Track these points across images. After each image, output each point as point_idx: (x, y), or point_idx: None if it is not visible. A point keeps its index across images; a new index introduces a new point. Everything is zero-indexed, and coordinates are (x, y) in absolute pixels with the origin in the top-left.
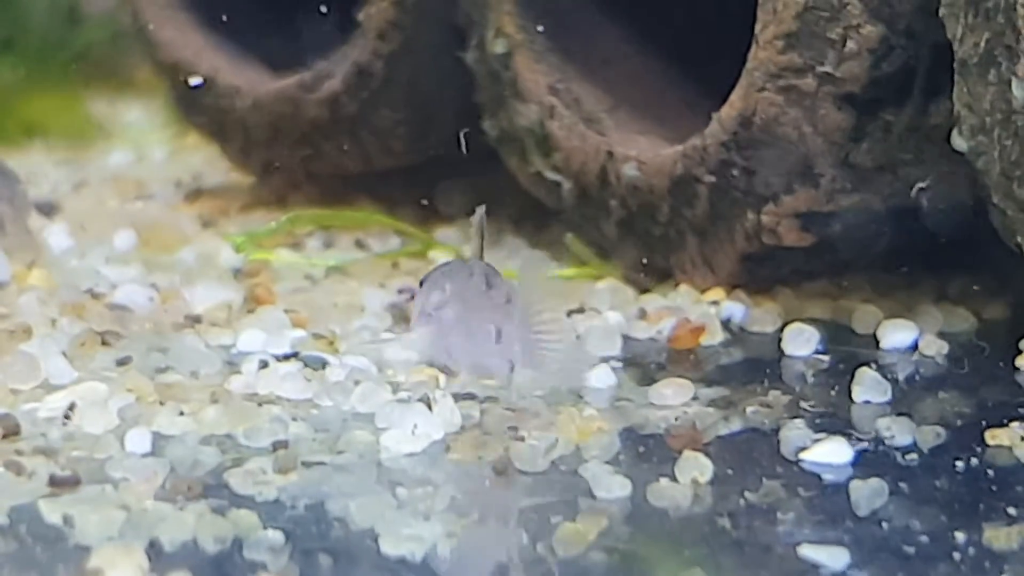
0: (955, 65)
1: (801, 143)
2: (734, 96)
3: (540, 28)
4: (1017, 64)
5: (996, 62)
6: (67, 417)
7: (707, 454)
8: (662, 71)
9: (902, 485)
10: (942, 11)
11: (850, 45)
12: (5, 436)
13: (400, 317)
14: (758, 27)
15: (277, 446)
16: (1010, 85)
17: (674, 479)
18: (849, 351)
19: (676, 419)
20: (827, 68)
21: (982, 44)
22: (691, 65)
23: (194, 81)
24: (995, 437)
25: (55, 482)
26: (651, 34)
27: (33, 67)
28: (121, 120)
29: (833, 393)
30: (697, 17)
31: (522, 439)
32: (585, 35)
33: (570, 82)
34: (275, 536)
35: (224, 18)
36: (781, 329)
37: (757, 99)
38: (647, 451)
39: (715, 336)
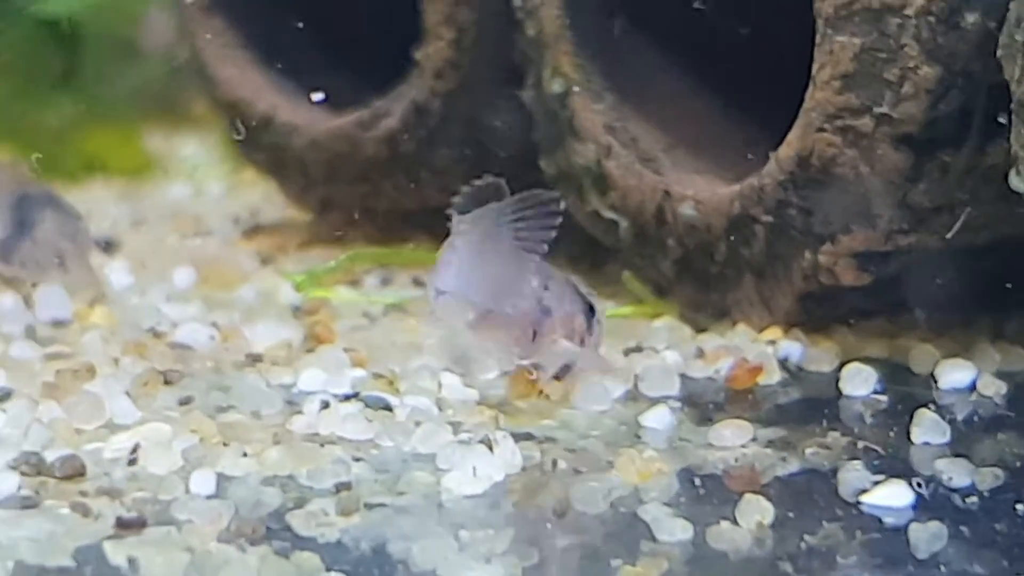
0: (1012, 106)
1: (858, 183)
2: (791, 136)
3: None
4: None
5: None
6: (132, 458)
7: (767, 496)
8: (719, 110)
9: (962, 528)
10: (999, 52)
11: (907, 86)
12: (71, 477)
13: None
14: (815, 68)
15: (339, 488)
16: None
17: (735, 522)
18: (907, 391)
19: (735, 460)
20: (884, 109)
21: None
22: (748, 105)
23: (316, 97)
24: None
25: (122, 524)
26: (708, 74)
27: (92, 102)
28: (178, 155)
29: (892, 434)
30: (755, 57)
31: (583, 481)
32: (642, 74)
33: (627, 121)
34: None
35: (279, 65)
36: (839, 368)
37: (815, 139)
38: (707, 493)
39: (773, 375)
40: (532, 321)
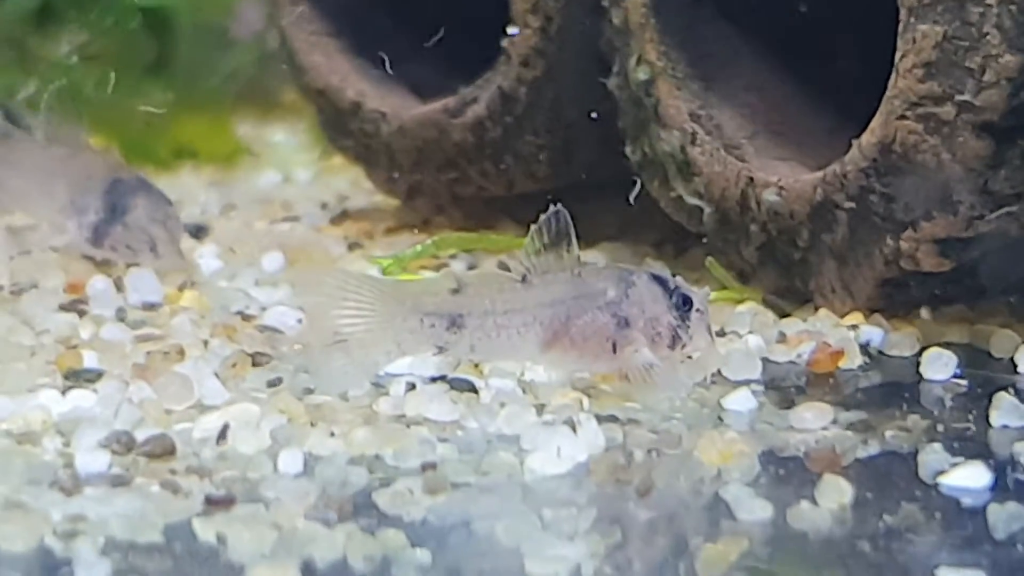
0: None
1: (940, 170)
2: (874, 123)
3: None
4: None
5: None
6: (221, 438)
7: (846, 477)
8: (802, 98)
9: None
10: None
11: (989, 74)
12: (161, 456)
13: None
14: (898, 56)
15: (425, 467)
16: None
17: (814, 502)
18: (986, 375)
19: (816, 442)
20: (966, 97)
21: None
22: (832, 92)
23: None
24: None
25: (211, 501)
26: (792, 61)
27: (182, 90)
28: (268, 142)
29: (971, 417)
30: (838, 45)
31: (665, 461)
32: (726, 62)
33: (711, 109)
34: (423, 556)
35: (383, 58)
36: (919, 353)
37: (897, 127)
38: (787, 474)
39: (854, 360)
40: (609, 335)
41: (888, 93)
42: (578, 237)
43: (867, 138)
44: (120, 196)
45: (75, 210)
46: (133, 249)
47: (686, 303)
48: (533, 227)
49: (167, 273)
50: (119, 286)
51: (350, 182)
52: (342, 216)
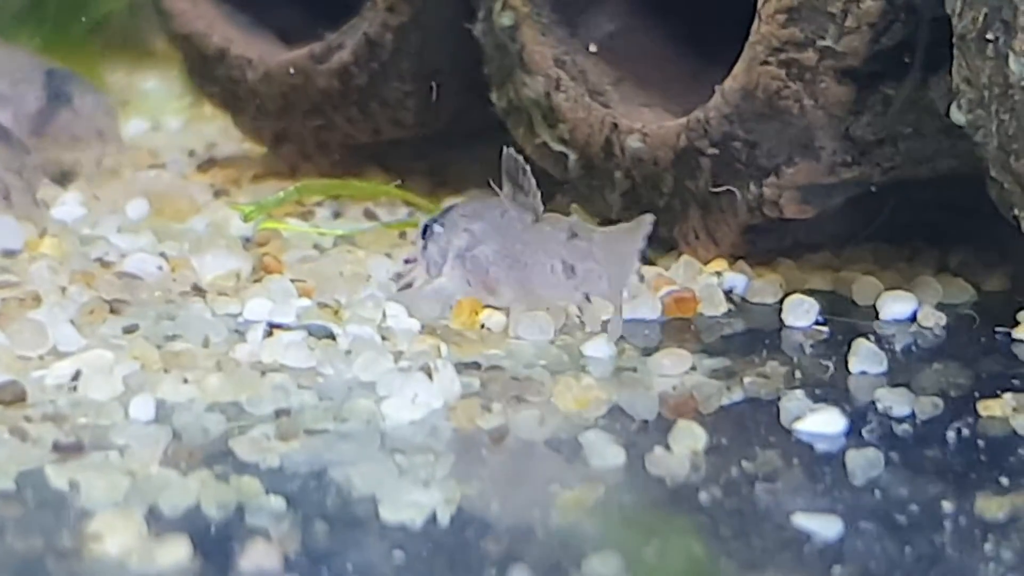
0: (954, 39)
1: (802, 116)
2: (737, 69)
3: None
4: (1014, 39)
5: (994, 37)
6: (73, 384)
7: (703, 424)
8: (667, 44)
9: (896, 455)
10: None
11: (851, 19)
12: (12, 403)
13: (405, 287)
14: (760, 1)
15: (280, 414)
16: (1007, 60)
17: (668, 448)
18: (848, 322)
19: (673, 388)
20: (828, 42)
21: (980, 19)
22: (695, 38)
23: None
24: (988, 408)
25: (60, 448)
26: (656, 8)
27: (51, 36)
28: (138, 90)
29: (830, 364)
30: None
31: (521, 408)
32: (591, 8)
33: (576, 55)
34: (277, 502)
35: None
36: (782, 300)
37: (759, 72)
38: (643, 421)
39: (717, 307)
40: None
41: (751, 39)
42: (444, 184)
43: (730, 84)
44: (58, 86)
45: (9, 101)
46: (76, 137)
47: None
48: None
49: (21, 221)
50: None
51: (220, 130)
52: (209, 163)
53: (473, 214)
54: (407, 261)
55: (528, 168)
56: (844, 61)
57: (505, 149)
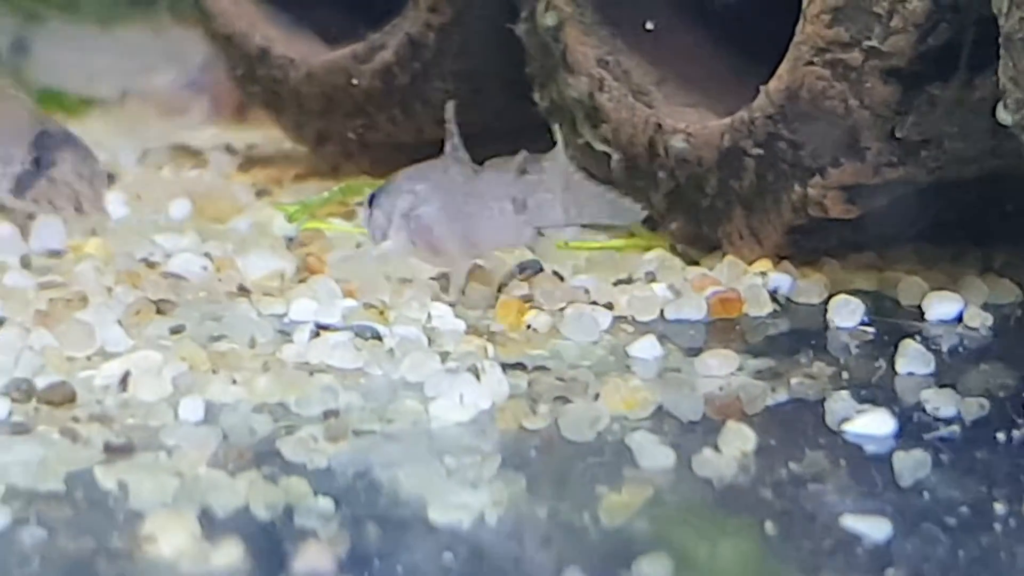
0: (1000, 39)
1: (847, 116)
2: (781, 70)
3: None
4: None
5: None
6: (123, 385)
7: (751, 425)
8: (711, 44)
9: (944, 456)
10: None
11: (896, 20)
12: (61, 403)
13: (446, 287)
14: (805, 1)
15: (328, 415)
16: None
17: (717, 449)
18: (894, 323)
19: (720, 389)
20: (873, 42)
21: None
22: (740, 38)
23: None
24: None
25: (111, 449)
26: (700, 7)
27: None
28: None
29: (877, 364)
30: None
31: (568, 409)
32: (635, 8)
33: (619, 55)
34: (325, 503)
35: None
36: (827, 300)
37: (804, 73)
38: (691, 421)
39: (762, 307)
40: None
41: (795, 39)
42: None
43: (774, 84)
44: (46, 149)
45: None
46: (55, 204)
47: None
48: None
49: (80, 224)
50: (24, 233)
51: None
52: (250, 163)
53: (416, 176)
54: None
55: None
56: (890, 61)
57: (449, 103)
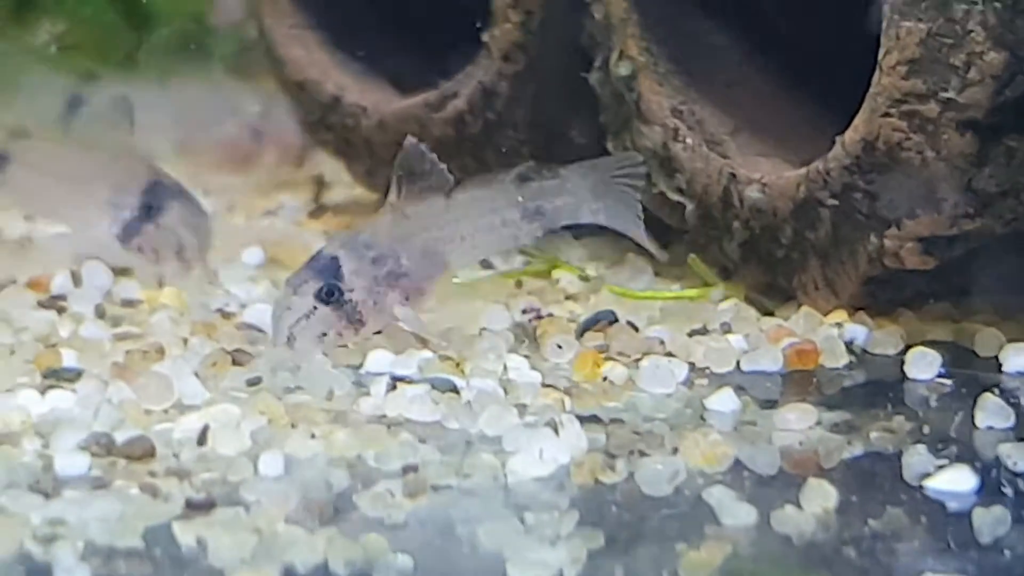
0: None
1: (924, 168)
2: (858, 120)
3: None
4: None
5: None
6: (201, 440)
7: (831, 480)
8: (785, 93)
9: None
10: None
11: (973, 71)
12: (141, 458)
13: (523, 336)
14: (881, 53)
15: (407, 470)
16: None
17: (799, 506)
18: (971, 375)
19: (800, 444)
20: (950, 94)
21: None
22: (814, 88)
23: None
24: None
25: (191, 505)
26: (774, 57)
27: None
28: None
29: (956, 418)
30: (821, 41)
31: (645, 463)
32: (709, 57)
33: (693, 104)
34: (404, 560)
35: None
36: (904, 352)
37: (880, 124)
38: (771, 477)
39: (838, 358)
40: None
41: (872, 90)
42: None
43: (850, 135)
44: (156, 198)
45: (111, 208)
46: (159, 252)
47: None
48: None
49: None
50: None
51: (329, 174)
52: (321, 210)
53: (370, 238)
54: (525, 311)
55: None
56: (966, 113)
57: (407, 140)
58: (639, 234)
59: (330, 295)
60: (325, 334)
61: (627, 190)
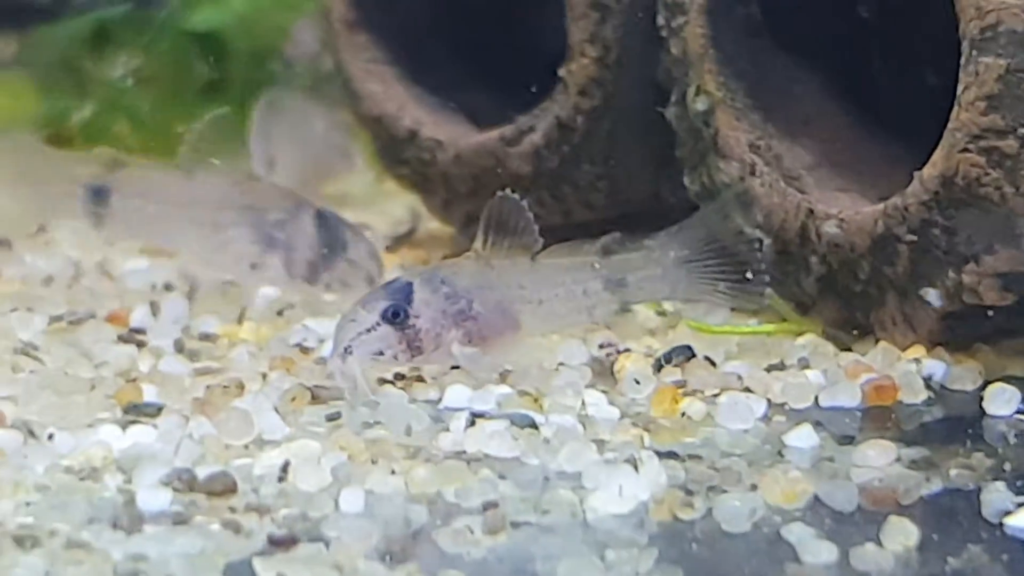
0: None
1: (1002, 204)
2: (936, 156)
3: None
4: None
5: None
6: (282, 475)
7: (911, 517)
8: (863, 128)
9: None
10: None
11: None
12: (222, 493)
13: (601, 371)
14: (960, 88)
15: (488, 506)
16: None
17: (879, 543)
18: None
19: (879, 481)
20: None
21: None
22: (891, 124)
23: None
24: None
25: (273, 541)
26: (851, 92)
27: (237, 110)
28: None
29: None
30: (899, 76)
31: (724, 499)
32: (786, 93)
33: (771, 140)
34: None
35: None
36: (982, 387)
37: (959, 160)
38: (851, 514)
39: (917, 394)
40: None
41: (950, 126)
42: None
43: (929, 171)
44: (332, 232)
45: (276, 245)
46: (348, 285)
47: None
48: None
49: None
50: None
51: (404, 207)
52: (397, 243)
53: (449, 276)
54: (602, 346)
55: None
56: None
57: (504, 193)
58: (723, 305)
59: (395, 316)
60: (382, 353)
61: (712, 264)
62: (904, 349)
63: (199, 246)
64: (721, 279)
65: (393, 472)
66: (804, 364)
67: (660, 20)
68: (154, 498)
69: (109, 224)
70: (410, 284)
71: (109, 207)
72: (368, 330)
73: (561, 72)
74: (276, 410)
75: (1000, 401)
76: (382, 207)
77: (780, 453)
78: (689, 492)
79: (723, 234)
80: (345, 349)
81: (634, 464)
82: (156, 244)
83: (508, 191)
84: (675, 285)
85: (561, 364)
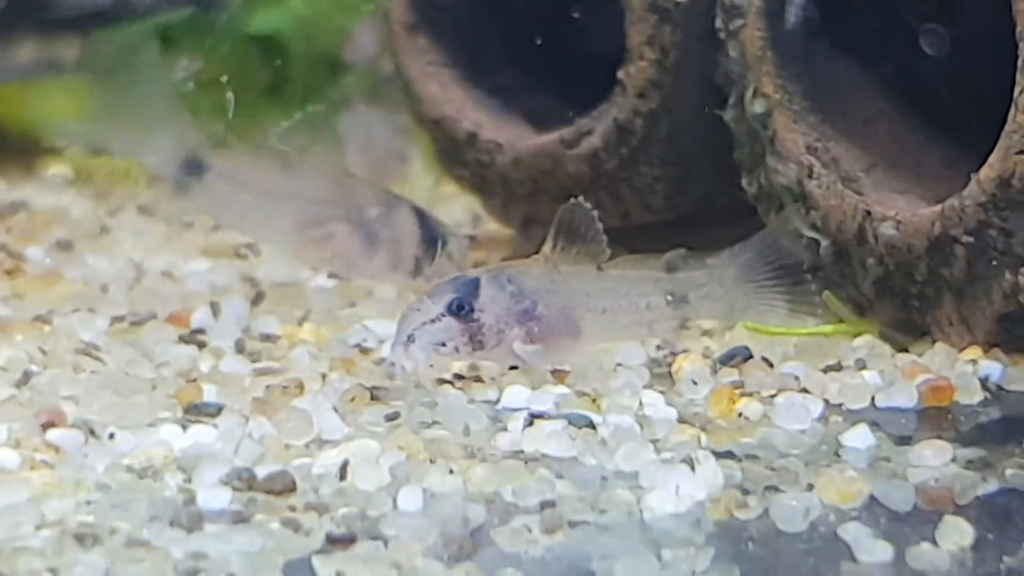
0: None
1: None
2: (993, 158)
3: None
4: None
5: None
6: (342, 475)
7: (967, 517)
8: (920, 130)
9: None
10: None
11: None
12: (282, 493)
13: (658, 372)
14: (1017, 91)
15: (545, 505)
16: None
17: (935, 543)
18: None
19: (935, 481)
20: None
21: None
22: (949, 125)
23: None
24: None
25: (333, 540)
26: (909, 94)
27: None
28: None
29: None
30: (956, 77)
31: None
32: (844, 95)
33: (828, 141)
34: None
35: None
36: None
37: (1015, 162)
38: (907, 513)
39: (973, 395)
40: None
41: (1007, 128)
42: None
43: (985, 173)
44: (431, 228)
45: (379, 240)
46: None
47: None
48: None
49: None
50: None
51: (462, 210)
52: None
53: (516, 276)
54: (660, 347)
55: (595, 215)
56: None
57: (576, 200)
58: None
59: (460, 308)
60: (444, 344)
61: (769, 286)
62: (961, 350)
63: (298, 241)
64: (779, 301)
65: (451, 471)
66: (861, 365)
67: (718, 22)
68: (214, 497)
69: (196, 199)
70: (477, 280)
71: (202, 181)
72: (432, 320)
73: (620, 74)
74: (335, 410)
75: None
76: (441, 209)
77: (836, 453)
78: (745, 492)
79: (782, 256)
80: (408, 337)
81: (691, 464)
82: (241, 232)
83: (580, 199)
84: (734, 305)
85: (619, 365)
